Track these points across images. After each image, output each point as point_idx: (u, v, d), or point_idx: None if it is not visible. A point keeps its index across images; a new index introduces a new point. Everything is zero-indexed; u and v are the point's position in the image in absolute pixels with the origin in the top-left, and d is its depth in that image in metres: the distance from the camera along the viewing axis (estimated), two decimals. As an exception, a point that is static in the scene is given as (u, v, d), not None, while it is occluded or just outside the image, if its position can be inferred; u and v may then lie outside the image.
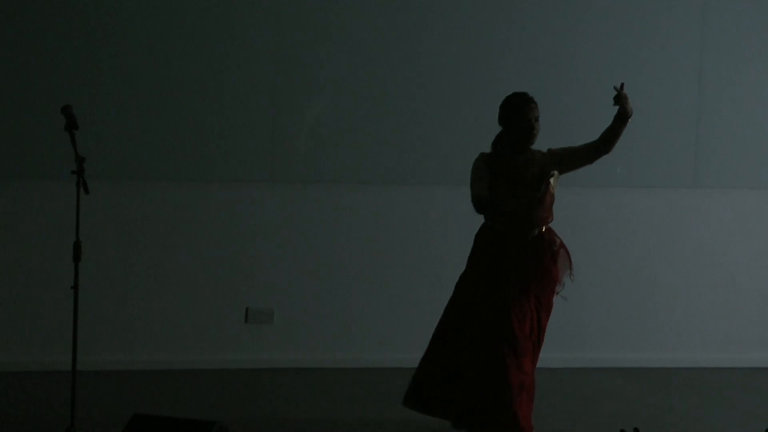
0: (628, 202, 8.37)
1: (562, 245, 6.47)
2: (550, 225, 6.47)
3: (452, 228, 7.98)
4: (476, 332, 6.37)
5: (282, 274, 8.02)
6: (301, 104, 7.96)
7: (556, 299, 6.51)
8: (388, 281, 8.12)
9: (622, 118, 6.37)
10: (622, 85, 6.37)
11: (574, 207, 8.13)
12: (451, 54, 8.06)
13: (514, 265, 6.33)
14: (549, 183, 6.32)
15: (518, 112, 6.35)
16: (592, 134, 7.84)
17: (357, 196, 8.07)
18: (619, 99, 6.33)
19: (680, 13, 8.29)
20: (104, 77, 7.72)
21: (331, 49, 7.95)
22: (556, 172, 6.41)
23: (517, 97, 6.40)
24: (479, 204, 6.25)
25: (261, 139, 7.93)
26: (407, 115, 8.04)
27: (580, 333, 8.28)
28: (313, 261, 8.04)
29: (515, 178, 6.31)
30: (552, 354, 7.91)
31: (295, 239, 8.02)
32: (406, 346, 8.10)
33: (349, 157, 8.02)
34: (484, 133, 7.89)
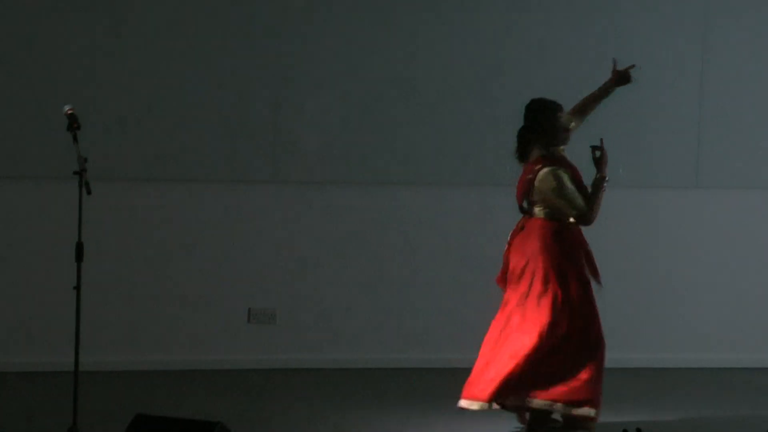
0: (629, 202, 8.36)
1: None
2: None
3: (452, 228, 7.99)
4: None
5: (284, 274, 8.02)
6: (302, 105, 7.96)
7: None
8: (389, 282, 8.11)
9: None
10: (614, 64, 6.45)
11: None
12: (450, 54, 8.07)
13: (586, 258, 6.60)
14: None
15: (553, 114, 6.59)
16: (593, 133, 7.85)
17: (358, 197, 8.07)
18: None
19: (682, 13, 8.29)
20: (106, 77, 7.73)
21: (332, 49, 7.96)
22: None
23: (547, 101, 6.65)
24: (588, 216, 6.46)
25: (263, 140, 7.94)
26: (408, 117, 8.04)
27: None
28: (315, 262, 8.05)
29: (580, 181, 6.53)
30: (553, 354, 7.93)
31: (296, 240, 8.03)
32: (407, 346, 8.11)
33: (350, 158, 8.03)
34: (485, 134, 7.94)
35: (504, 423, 6.70)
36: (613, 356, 8.29)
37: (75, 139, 5.94)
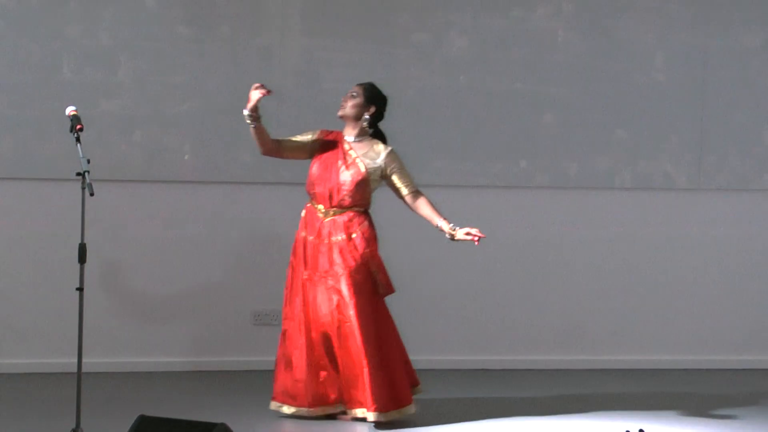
0: (630, 203, 8.37)
1: None
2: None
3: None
4: None
5: (288, 276, 8.04)
6: (305, 105, 7.98)
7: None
8: (392, 282, 8.11)
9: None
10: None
11: (576, 208, 8.14)
12: (448, 54, 8.09)
13: None
14: None
15: None
16: (592, 132, 7.89)
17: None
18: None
19: (684, 14, 8.29)
20: (107, 78, 7.75)
21: (334, 50, 7.97)
22: None
23: None
24: None
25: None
26: (408, 117, 8.05)
27: (580, 334, 8.29)
28: (318, 263, 8.05)
29: None
30: (553, 356, 7.95)
31: (300, 241, 8.03)
32: (409, 347, 8.11)
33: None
34: (483, 134, 7.91)
35: (504, 420, 6.73)
36: (614, 357, 8.35)
37: (78, 140, 5.95)
